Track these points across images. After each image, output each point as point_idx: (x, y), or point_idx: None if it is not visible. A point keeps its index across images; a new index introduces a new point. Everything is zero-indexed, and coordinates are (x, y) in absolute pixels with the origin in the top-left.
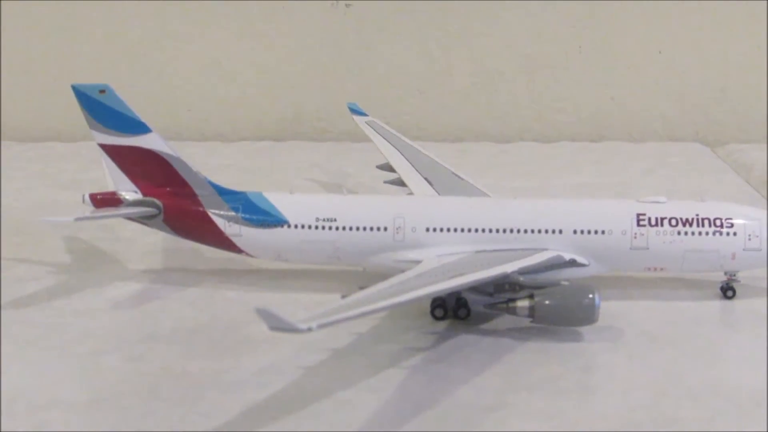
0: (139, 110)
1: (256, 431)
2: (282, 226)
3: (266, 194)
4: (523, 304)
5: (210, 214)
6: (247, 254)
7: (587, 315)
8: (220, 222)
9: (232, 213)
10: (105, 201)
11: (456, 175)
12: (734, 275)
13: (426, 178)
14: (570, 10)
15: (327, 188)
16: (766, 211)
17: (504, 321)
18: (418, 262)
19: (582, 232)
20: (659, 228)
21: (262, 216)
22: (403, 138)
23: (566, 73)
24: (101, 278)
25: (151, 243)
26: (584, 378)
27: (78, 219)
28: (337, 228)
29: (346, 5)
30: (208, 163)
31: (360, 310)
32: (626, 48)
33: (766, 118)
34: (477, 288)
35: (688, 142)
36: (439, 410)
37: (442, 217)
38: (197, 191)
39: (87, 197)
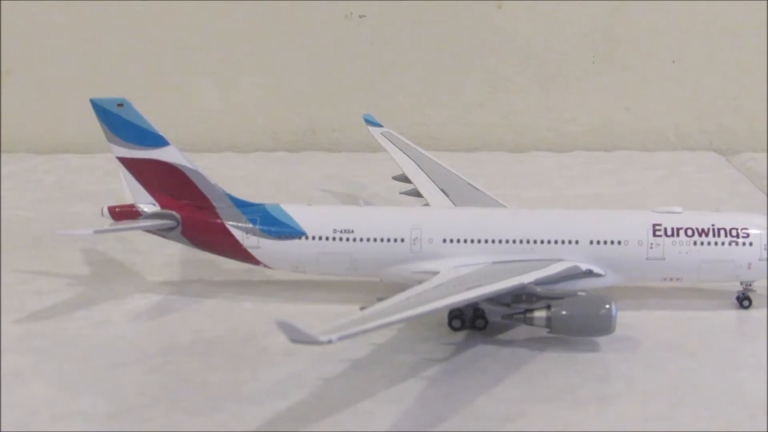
0: (155, 122)
1: None
2: (300, 238)
3: (284, 206)
4: (540, 314)
5: (228, 226)
6: (265, 266)
7: (604, 325)
8: (238, 234)
9: (250, 225)
10: (123, 214)
11: (472, 185)
12: (750, 285)
13: (442, 189)
14: (583, 20)
15: (342, 199)
16: None
17: (521, 331)
18: (435, 273)
19: (598, 242)
20: (675, 238)
21: (280, 228)
22: (418, 149)
23: (580, 83)
24: (120, 290)
25: (168, 255)
26: (601, 388)
27: (97, 232)
28: (354, 239)
29: (360, 17)
30: (223, 174)
31: (379, 322)
32: (640, 58)
33: None
34: (494, 299)
35: (702, 151)
36: (457, 420)
37: (459, 228)
38: (215, 203)
39: (106, 210)
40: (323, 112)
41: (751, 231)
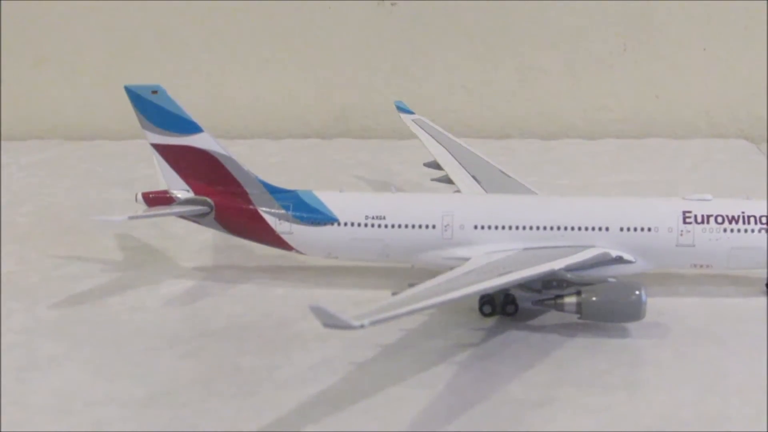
0: (189, 109)
1: (309, 428)
2: (332, 224)
3: (317, 192)
4: (570, 300)
5: (261, 212)
6: (298, 252)
7: (634, 311)
8: (271, 220)
9: (283, 211)
10: (157, 200)
11: (503, 172)
12: None
13: (473, 176)
14: (615, 8)
15: (374, 186)
16: None
17: (551, 317)
18: (466, 259)
19: (629, 229)
20: (705, 225)
21: (313, 214)
22: (449, 136)
23: (611, 70)
24: (153, 276)
25: (201, 241)
26: (631, 373)
27: (132, 218)
28: (386, 226)
29: (391, 4)
30: (256, 160)
31: (411, 307)
32: (671, 45)
33: None
34: (525, 285)
35: (733, 138)
36: (488, 405)
37: (490, 215)
38: (248, 190)
39: (140, 196)
40: (355, 100)
41: None
